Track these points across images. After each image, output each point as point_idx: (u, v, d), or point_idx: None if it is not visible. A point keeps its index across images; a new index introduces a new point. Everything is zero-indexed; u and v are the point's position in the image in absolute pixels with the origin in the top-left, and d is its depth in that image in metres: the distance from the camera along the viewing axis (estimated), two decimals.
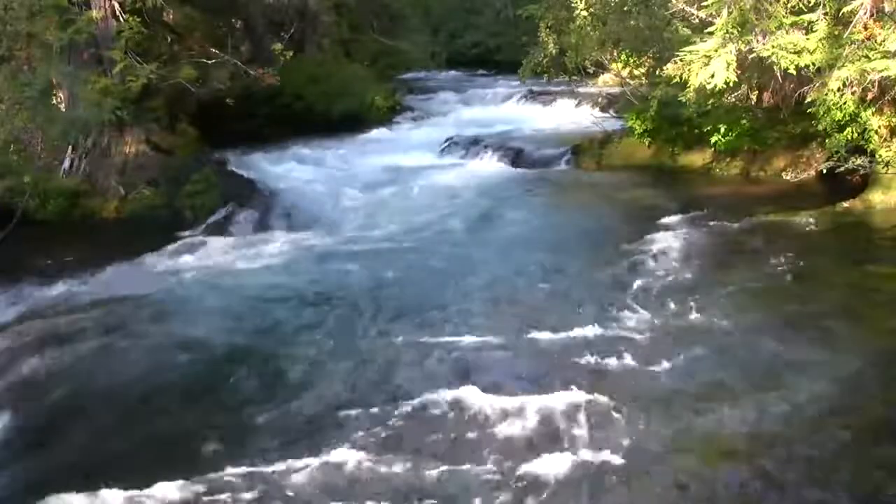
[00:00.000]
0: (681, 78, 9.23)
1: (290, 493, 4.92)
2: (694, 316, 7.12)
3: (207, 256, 9.76)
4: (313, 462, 5.18)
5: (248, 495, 4.91)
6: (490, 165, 14.73)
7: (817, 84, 8.66)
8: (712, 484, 4.83)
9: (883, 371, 6.04)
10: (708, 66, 8.55)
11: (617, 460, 5.04)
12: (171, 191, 11.64)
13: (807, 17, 8.41)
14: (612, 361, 6.34)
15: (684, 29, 9.87)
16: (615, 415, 5.56)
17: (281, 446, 5.41)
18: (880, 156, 9.62)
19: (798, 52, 8.36)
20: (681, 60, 9.04)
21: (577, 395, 5.80)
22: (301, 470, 5.11)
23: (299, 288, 8.52)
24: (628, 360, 6.34)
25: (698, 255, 8.83)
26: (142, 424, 5.92)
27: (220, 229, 10.76)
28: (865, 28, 8.27)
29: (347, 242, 10.25)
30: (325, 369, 6.55)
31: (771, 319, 7.03)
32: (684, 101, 10.10)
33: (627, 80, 14.86)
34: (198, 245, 10.14)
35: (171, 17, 13.75)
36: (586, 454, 5.12)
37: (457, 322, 7.36)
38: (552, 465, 5.02)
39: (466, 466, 5.09)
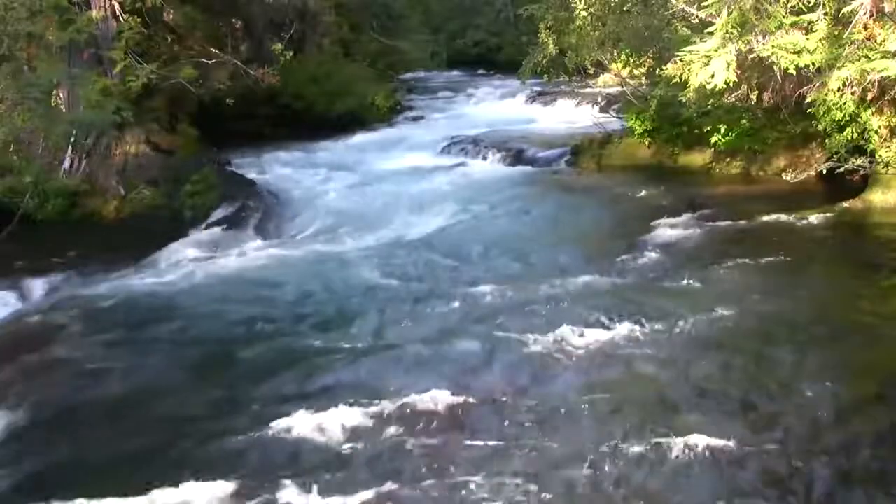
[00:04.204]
0: (681, 78, 9.22)
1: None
2: (693, 315, 7.11)
3: (207, 256, 9.75)
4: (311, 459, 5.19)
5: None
6: (490, 165, 14.74)
7: (817, 84, 8.65)
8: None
9: (883, 369, 6.04)
10: (708, 66, 8.53)
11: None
12: (171, 191, 11.64)
13: (807, 17, 8.40)
14: (609, 360, 6.34)
15: (684, 29, 9.86)
16: (609, 413, 5.57)
17: (276, 444, 5.41)
18: (880, 156, 9.61)
19: (798, 52, 8.34)
20: (681, 60, 9.03)
21: (579, 391, 5.82)
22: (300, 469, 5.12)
23: (298, 288, 8.51)
24: (626, 359, 6.35)
25: (698, 254, 8.83)
26: (141, 422, 5.92)
27: (220, 229, 10.76)
28: (865, 28, 8.25)
29: (347, 243, 10.25)
30: (322, 370, 6.54)
31: (771, 320, 7.02)
32: (684, 101, 10.09)
33: (627, 80, 14.86)
34: (197, 245, 10.14)
35: (171, 17, 13.74)
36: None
37: (457, 321, 7.37)
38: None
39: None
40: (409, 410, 5.71)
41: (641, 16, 12.37)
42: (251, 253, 9.95)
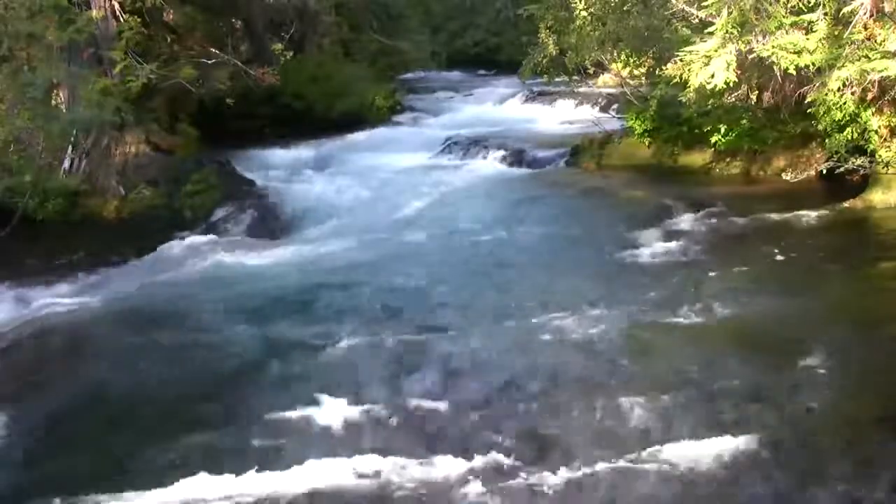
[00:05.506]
0: (681, 78, 9.22)
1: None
2: (693, 316, 7.12)
3: (206, 257, 9.76)
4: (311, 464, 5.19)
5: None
6: (490, 166, 14.73)
7: (817, 84, 8.65)
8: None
9: (881, 369, 6.04)
10: (708, 66, 8.54)
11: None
12: (171, 191, 11.66)
13: (807, 17, 8.40)
14: (609, 360, 6.35)
15: (684, 29, 9.86)
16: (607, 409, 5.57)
17: (277, 444, 5.41)
18: (880, 156, 9.62)
19: (798, 52, 8.35)
20: (681, 60, 9.03)
21: (582, 388, 5.83)
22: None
23: (297, 289, 8.52)
24: (625, 360, 6.35)
25: (697, 254, 8.82)
26: (141, 423, 5.92)
27: (220, 229, 10.78)
28: (865, 28, 8.26)
29: (346, 243, 10.25)
30: (320, 371, 6.54)
31: (773, 320, 7.02)
32: (684, 101, 10.09)
33: (627, 80, 14.86)
34: (197, 245, 10.15)
35: (171, 17, 13.76)
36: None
37: (457, 321, 7.37)
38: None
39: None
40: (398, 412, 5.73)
41: (641, 16, 12.35)
42: (251, 253, 9.94)
